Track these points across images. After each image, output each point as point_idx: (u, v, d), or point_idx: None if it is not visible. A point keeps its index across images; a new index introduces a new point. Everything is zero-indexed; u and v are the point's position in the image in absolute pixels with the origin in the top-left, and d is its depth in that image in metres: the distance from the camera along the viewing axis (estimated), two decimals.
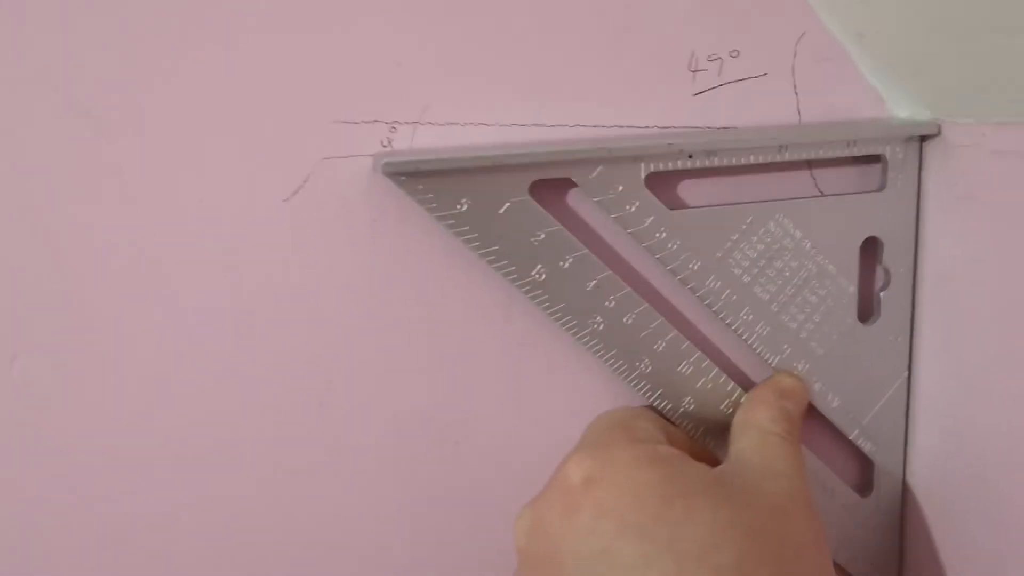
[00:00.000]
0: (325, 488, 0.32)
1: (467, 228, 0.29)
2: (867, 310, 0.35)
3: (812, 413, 0.34)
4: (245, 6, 0.28)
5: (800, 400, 0.33)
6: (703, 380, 0.33)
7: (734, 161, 0.31)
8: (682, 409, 0.33)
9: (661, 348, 0.32)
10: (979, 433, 0.33)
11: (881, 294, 0.34)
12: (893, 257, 0.34)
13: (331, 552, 0.33)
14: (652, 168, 0.30)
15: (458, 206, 0.29)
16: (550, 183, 0.30)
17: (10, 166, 0.27)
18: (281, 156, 0.29)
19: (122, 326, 0.29)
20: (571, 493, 0.27)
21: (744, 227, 0.32)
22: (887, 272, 0.34)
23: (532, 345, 0.33)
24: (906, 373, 0.35)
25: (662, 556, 0.25)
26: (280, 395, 0.31)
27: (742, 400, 0.33)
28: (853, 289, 0.34)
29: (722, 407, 0.33)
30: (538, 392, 0.33)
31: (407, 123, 0.30)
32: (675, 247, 0.31)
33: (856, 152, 0.32)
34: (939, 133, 0.32)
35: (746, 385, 0.34)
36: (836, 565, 0.35)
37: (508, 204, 0.29)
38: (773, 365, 0.34)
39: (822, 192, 0.34)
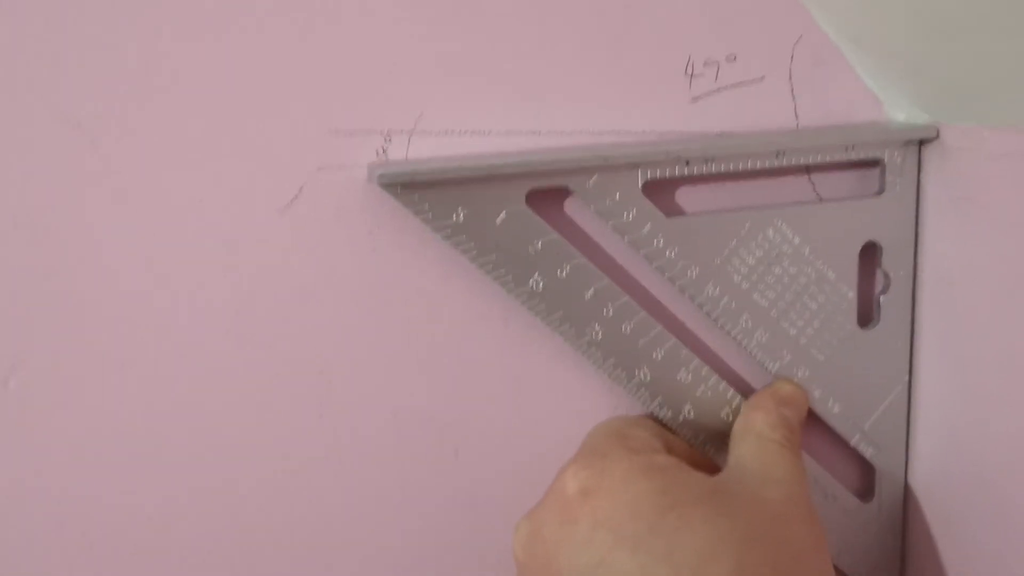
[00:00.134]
0: (325, 494, 0.32)
1: (464, 238, 0.29)
2: (867, 315, 0.34)
3: (813, 419, 0.34)
4: (238, 18, 0.27)
5: (799, 407, 0.33)
6: (702, 388, 0.33)
7: (731, 167, 0.31)
8: (682, 417, 0.33)
9: (660, 356, 0.32)
10: (980, 437, 0.32)
11: (881, 299, 0.34)
12: (892, 262, 0.34)
13: (331, 556, 0.33)
14: (649, 175, 0.30)
15: (454, 216, 0.28)
16: (547, 192, 0.30)
17: (5, 180, 0.27)
18: (276, 167, 0.29)
19: (119, 337, 0.29)
20: (568, 504, 0.27)
21: (742, 233, 0.32)
22: (886, 277, 0.34)
23: (531, 352, 0.33)
24: (906, 378, 0.35)
25: (659, 567, 0.24)
26: (279, 405, 0.31)
27: (741, 407, 0.33)
28: (852, 294, 0.33)
29: (722, 414, 0.33)
30: (537, 399, 0.33)
31: (402, 132, 0.30)
32: (673, 254, 0.31)
33: (854, 156, 0.32)
34: (937, 137, 0.32)
35: (746, 392, 0.33)
36: (838, 570, 0.35)
37: (505, 213, 0.29)
38: (773, 372, 0.33)
39: (820, 197, 0.34)
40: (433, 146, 0.30)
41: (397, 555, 0.34)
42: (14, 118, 0.27)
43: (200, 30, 0.27)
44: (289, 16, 0.28)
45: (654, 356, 0.32)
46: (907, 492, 0.36)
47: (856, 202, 0.33)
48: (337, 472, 0.32)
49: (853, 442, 0.35)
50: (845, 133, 0.32)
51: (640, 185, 0.30)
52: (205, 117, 0.28)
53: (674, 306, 0.33)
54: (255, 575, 0.32)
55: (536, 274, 0.30)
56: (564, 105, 0.31)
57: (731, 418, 0.33)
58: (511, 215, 0.29)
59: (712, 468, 0.32)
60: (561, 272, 0.30)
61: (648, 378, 0.32)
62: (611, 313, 0.31)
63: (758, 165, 0.31)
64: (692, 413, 0.33)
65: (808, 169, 0.33)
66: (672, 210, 0.32)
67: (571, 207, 0.31)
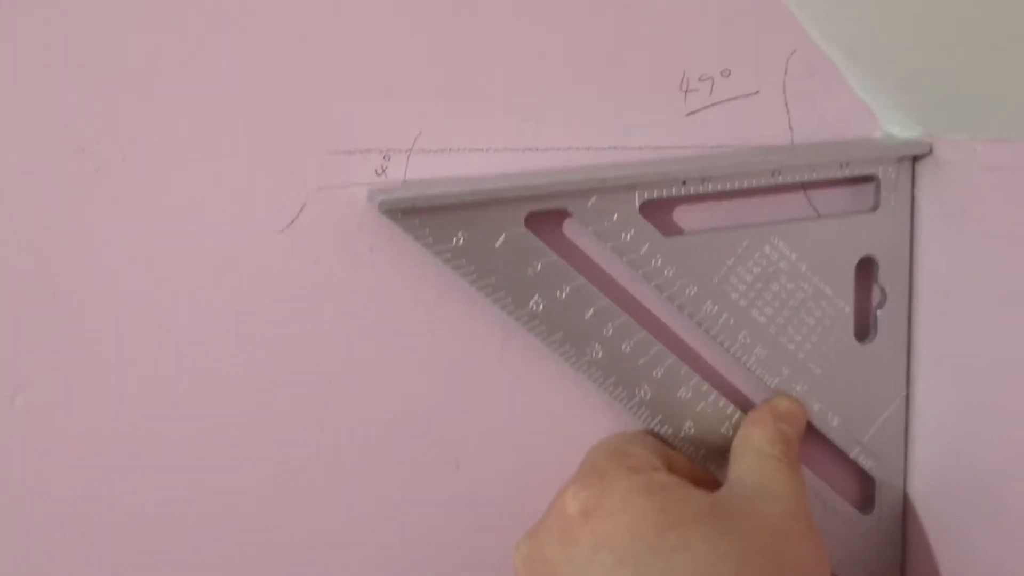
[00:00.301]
0: (329, 506, 0.32)
1: (464, 261, 0.29)
2: (864, 329, 0.35)
3: (812, 432, 0.34)
4: (238, 40, 0.28)
5: (797, 422, 0.33)
6: (703, 404, 0.33)
7: (728, 186, 0.31)
8: (682, 433, 0.33)
9: (660, 374, 0.32)
10: (978, 448, 0.33)
11: (877, 313, 0.34)
12: (888, 276, 0.34)
13: (333, 568, 0.33)
14: (646, 196, 0.30)
15: (454, 240, 0.29)
16: (545, 214, 0.30)
17: (12, 205, 0.27)
18: (276, 188, 0.29)
19: (124, 355, 0.29)
20: (569, 524, 0.27)
21: (740, 251, 0.32)
22: (883, 291, 0.34)
23: (531, 369, 0.33)
24: (904, 390, 0.35)
25: None
26: (282, 423, 0.31)
27: (740, 423, 0.33)
28: (849, 309, 0.34)
29: (722, 430, 0.33)
30: (537, 415, 0.34)
31: (401, 151, 0.30)
32: (671, 273, 0.31)
33: (849, 173, 0.33)
34: (931, 152, 0.32)
35: (746, 407, 0.34)
36: None
37: (504, 236, 0.29)
38: (772, 387, 0.34)
39: (818, 211, 0.34)
40: (432, 164, 0.30)
41: (398, 567, 0.34)
42: (20, 144, 0.27)
43: (200, 52, 0.27)
44: (289, 38, 0.28)
45: (654, 374, 0.32)
46: (906, 503, 0.36)
47: (851, 218, 0.33)
48: (340, 483, 0.32)
49: (852, 454, 0.35)
50: (840, 151, 0.33)
51: (638, 205, 0.30)
52: (207, 139, 0.28)
53: (673, 324, 0.33)
54: None
55: (536, 296, 0.30)
56: (560, 122, 0.31)
57: (731, 433, 0.33)
58: (510, 238, 0.29)
59: (713, 483, 0.32)
60: (561, 293, 0.30)
61: (649, 396, 0.32)
62: (611, 332, 0.31)
63: (754, 184, 0.32)
64: (693, 429, 0.33)
65: (804, 185, 0.34)
66: (670, 229, 0.32)
67: (570, 228, 0.31)
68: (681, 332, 0.34)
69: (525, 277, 0.30)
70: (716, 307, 0.32)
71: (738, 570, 0.25)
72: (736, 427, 0.33)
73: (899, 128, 0.34)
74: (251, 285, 0.30)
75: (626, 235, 0.30)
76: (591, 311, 0.31)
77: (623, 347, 0.31)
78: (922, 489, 0.36)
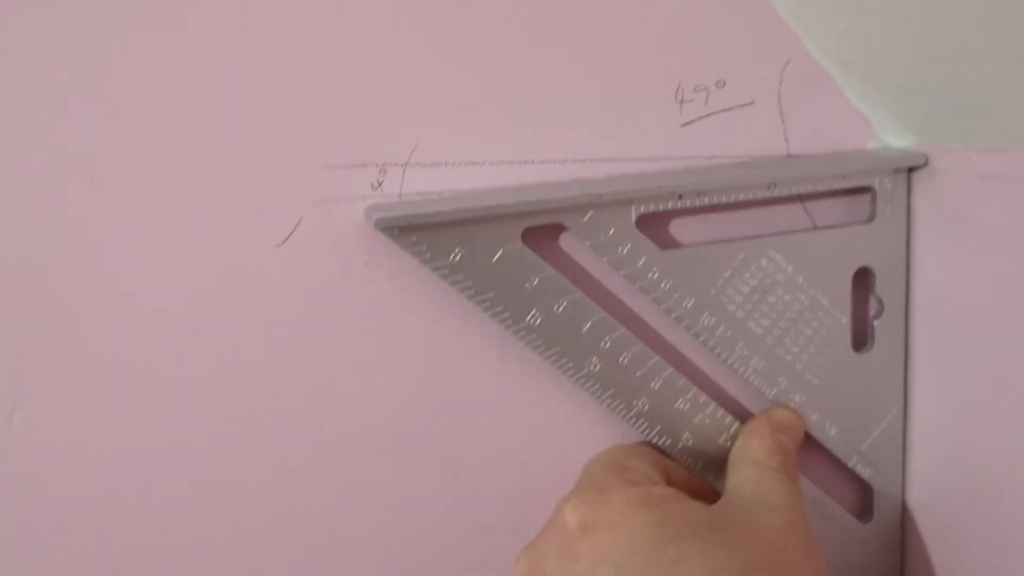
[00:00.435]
0: (326, 519, 0.33)
1: (461, 277, 0.29)
2: (861, 339, 0.35)
3: (811, 442, 0.35)
4: (234, 55, 0.28)
5: (795, 432, 0.33)
6: (700, 415, 0.33)
7: (724, 200, 0.31)
8: (681, 445, 0.33)
9: (658, 386, 0.32)
10: (976, 456, 0.33)
11: (874, 323, 0.34)
12: (885, 286, 0.34)
13: None
14: (643, 210, 0.30)
15: (452, 256, 0.29)
16: (542, 228, 0.30)
17: (8, 222, 0.27)
18: (273, 202, 0.29)
19: (120, 371, 0.29)
20: (568, 539, 0.28)
21: (736, 264, 0.32)
22: (879, 301, 0.34)
23: (529, 382, 0.33)
24: (902, 399, 0.35)
25: None
26: (277, 438, 0.31)
27: (737, 434, 0.33)
28: (846, 320, 0.34)
29: (720, 441, 0.33)
30: (536, 428, 0.34)
31: (397, 164, 0.30)
32: (668, 286, 0.31)
33: (845, 185, 0.33)
34: (927, 163, 0.33)
35: (743, 418, 0.34)
36: None
37: (501, 252, 0.29)
38: (770, 397, 0.34)
39: (815, 222, 0.34)
40: (428, 177, 0.30)
41: None
42: (16, 161, 0.27)
43: (196, 68, 0.27)
44: (284, 53, 0.28)
45: (652, 386, 0.32)
46: (905, 511, 0.36)
47: (848, 229, 0.33)
48: (339, 493, 0.32)
49: (851, 463, 0.35)
50: (835, 163, 0.33)
51: (634, 219, 0.30)
52: (203, 155, 0.28)
53: (671, 336, 0.34)
54: None
55: (533, 310, 0.30)
56: (556, 134, 0.31)
57: (729, 444, 0.33)
58: (507, 253, 0.29)
59: (712, 494, 0.33)
60: (558, 307, 0.30)
61: (647, 408, 0.32)
62: (608, 345, 0.31)
63: (750, 196, 0.32)
64: (691, 441, 0.33)
65: (801, 197, 0.34)
66: (666, 243, 0.32)
67: (566, 243, 0.32)
68: (678, 344, 0.34)
69: (522, 291, 0.30)
70: (713, 319, 0.32)
71: None
72: (734, 438, 0.33)
73: (895, 137, 0.34)
74: (248, 300, 0.30)
75: (623, 249, 0.31)
76: (588, 324, 0.31)
77: (621, 359, 0.31)
78: (920, 497, 0.36)
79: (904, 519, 0.36)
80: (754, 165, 0.33)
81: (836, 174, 0.32)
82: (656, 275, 0.31)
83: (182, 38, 0.27)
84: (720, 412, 0.33)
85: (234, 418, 0.31)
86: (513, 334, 0.30)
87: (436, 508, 0.33)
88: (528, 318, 0.30)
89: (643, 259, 0.31)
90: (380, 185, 0.30)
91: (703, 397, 0.33)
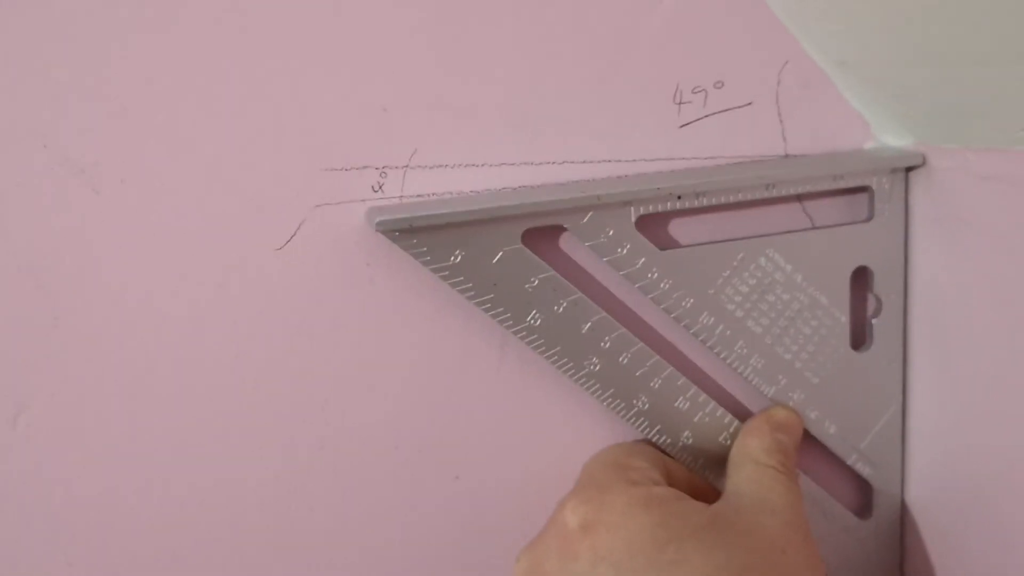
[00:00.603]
0: (327, 521, 0.33)
1: (462, 278, 0.29)
2: (860, 338, 0.35)
3: (810, 440, 0.35)
4: (234, 59, 0.28)
5: (794, 431, 0.33)
6: (700, 414, 0.33)
7: (723, 200, 0.31)
8: (680, 443, 0.33)
9: (657, 385, 0.32)
10: (975, 453, 0.33)
11: (873, 322, 0.34)
12: (883, 285, 0.34)
13: None
14: (642, 211, 0.31)
15: (452, 258, 0.29)
16: (542, 229, 0.30)
17: (11, 228, 0.27)
18: (274, 206, 0.29)
19: (122, 376, 0.29)
20: (568, 539, 0.28)
21: (735, 263, 0.32)
22: (878, 300, 0.34)
23: (529, 381, 0.33)
24: (901, 398, 0.35)
25: None
26: (278, 439, 0.31)
27: (737, 433, 0.33)
28: (845, 319, 0.34)
29: (720, 439, 0.33)
30: (536, 427, 0.34)
31: (397, 167, 0.30)
32: (667, 286, 0.31)
33: (843, 185, 0.33)
34: (924, 163, 0.33)
35: (743, 417, 0.34)
36: None
37: (501, 253, 0.29)
38: (769, 396, 0.34)
39: (813, 221, 0.34)
40: (428, 180, 0.30)
41: None
42: (16, 162, 0.27)
43: (197, 73, 0.28)
44: (285, 55, 0.28)
45: (652, 385, 0.32)
46: (904, 509, 0.37)
47: (846, 229, 0.33)
48: (340, 495, 0.32)
49: (850, 462, 0.35)
50: (834, 163, 0.33)
51: (633, 220, 0.31)
52: (204, 159, 0.28)
53: (670, 336, 0.34)
54: None
55: (533, 311, 0.30)
56: (555, 136, 0.31)
57: (729, 443, 0.33)
58: (507, 254, 0.29)
59: (712, 493, 0.33)
60: (558, 307, 0.30)
61: (647, 407, 0.32)
62: (608, 345, 0.31)
63: (749, 197, 0.32)
64: (691, 439, 0.33)
65: (800, 196, 0.34)
66: (665, 243, 0.32)
67: (566, 243, 0.32)
68: (678, 343, 0.34)
69: (523, 292, 0.30)
70: (712, 318, 0.32)
71: None
72: (734, 436, 0.33)
73: (892, 137, 0.34)
74: (250, 303, 0.30)
75: (622, 249, 0.31)
76: (588, 324, 0.31)
77: (621, 359, 0.32)
78: (919, 495, 0.36)
79: (903, 517, 0.37)
80: (752, 165, 0.33)
81: (834, 174, 0.32)
82: (655, 275, 0.31)
83: (182, 39, 0.27)
84: (720, 411, 0.33)
85: (235, 419, 0.31)
86: (513, 334, 0.30)
87: (436, 508, 0.34)
88: (528, 318, 0.30)
89: (642, 259, 0.31)
90: (381, 187, 0.30)
91: (703, 396, 0.33)
